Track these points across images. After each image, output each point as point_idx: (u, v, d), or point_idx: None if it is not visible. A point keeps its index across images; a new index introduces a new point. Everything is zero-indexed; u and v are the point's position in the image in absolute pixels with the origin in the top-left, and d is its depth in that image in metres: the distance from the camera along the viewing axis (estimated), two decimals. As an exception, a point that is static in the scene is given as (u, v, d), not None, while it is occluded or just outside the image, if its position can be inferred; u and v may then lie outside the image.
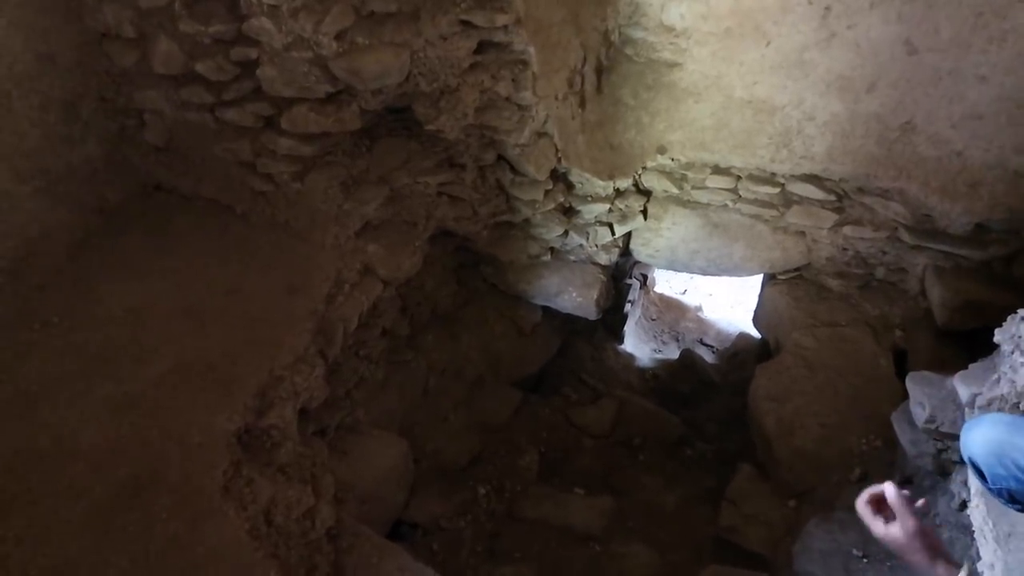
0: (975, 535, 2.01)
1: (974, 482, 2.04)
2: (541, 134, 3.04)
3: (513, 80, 2.77)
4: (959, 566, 1.32)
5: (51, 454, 1.98)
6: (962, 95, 2.98)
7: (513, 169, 3.14)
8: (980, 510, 1.92)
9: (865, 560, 2.50)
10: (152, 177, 2.94)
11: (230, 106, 2.61)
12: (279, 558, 1.92)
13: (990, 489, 1.63)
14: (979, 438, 1.48)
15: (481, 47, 2.63)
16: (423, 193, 3.04)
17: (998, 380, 2.20)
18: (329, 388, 2.57)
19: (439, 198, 3.12)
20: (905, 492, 1.48)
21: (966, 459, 1.50)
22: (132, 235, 2.74)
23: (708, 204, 3.71)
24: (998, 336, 2.25)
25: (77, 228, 2.70)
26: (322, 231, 2.79)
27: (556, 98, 3.03)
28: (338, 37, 2.37)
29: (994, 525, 1.85)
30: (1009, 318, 2.24)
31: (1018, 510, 1.62)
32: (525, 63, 2.74)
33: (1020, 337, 2.11)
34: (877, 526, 1.45)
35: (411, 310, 3.30)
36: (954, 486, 2.32)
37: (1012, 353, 2.15)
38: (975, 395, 2.22)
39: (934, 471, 2.46)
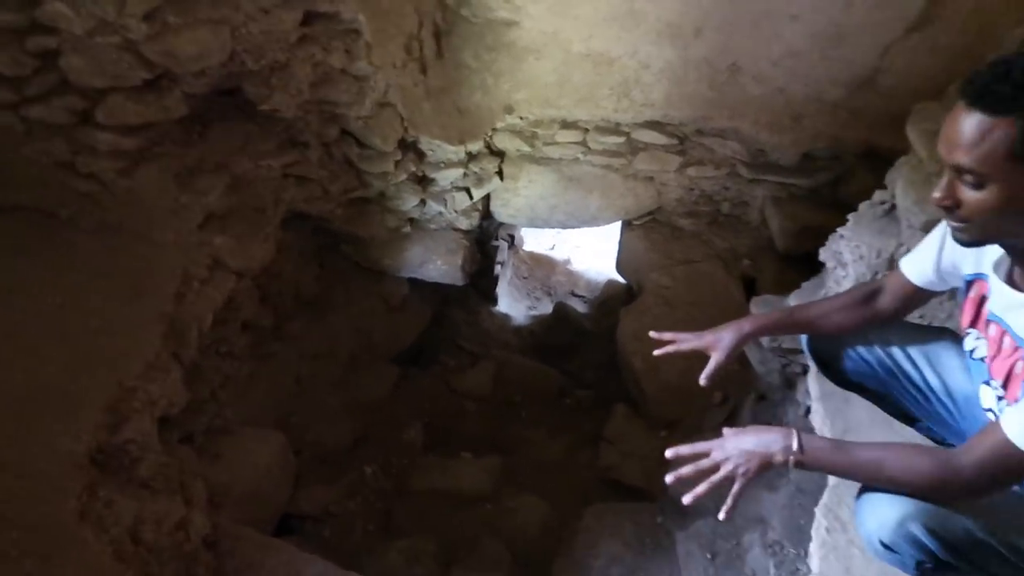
0: (817, 437, 2.22)
1: (814, 387, 2.22)
2: (384, 104, 2.98)
3: (346, 51, 2.68)
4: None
5: None
6: (779, 34, 3.17)
7: (359, 143, 3.07)
8: (819, 413, 2.11)
9: (731, 476, 2.70)
10: (-46, 191, 2.65)
11: (35, 102, 2.36)
12: (152, 576, 1.83)
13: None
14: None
15: (308, 18, 2.53)
16: (268, 177, 2.90)
17: (826, 294, 2.41)
18: (190, 392, 2.44)
19: (286, 180, 2.99)
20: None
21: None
22: (-62, 258, 2.46)
23: (560, 159, 3.79)
24: (822, 255, 2.46)
25: None
26: (161, 228, 2.61)
27: (395, 66, 2.97)
28: (147, 18, 2.19)
29: (832, 424, 2.04)
30: (830, 237, 2.45)
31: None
32: (357, 32, 2.66)
33: (840, 253, 2.32)
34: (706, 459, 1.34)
35: (272, 299, 3.18)
36: (799, 396, 2.54)
37: (835, 269, 2.36)
38: (812, 301, 2.41)
39: (782, 385, 2.67)
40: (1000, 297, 1.29)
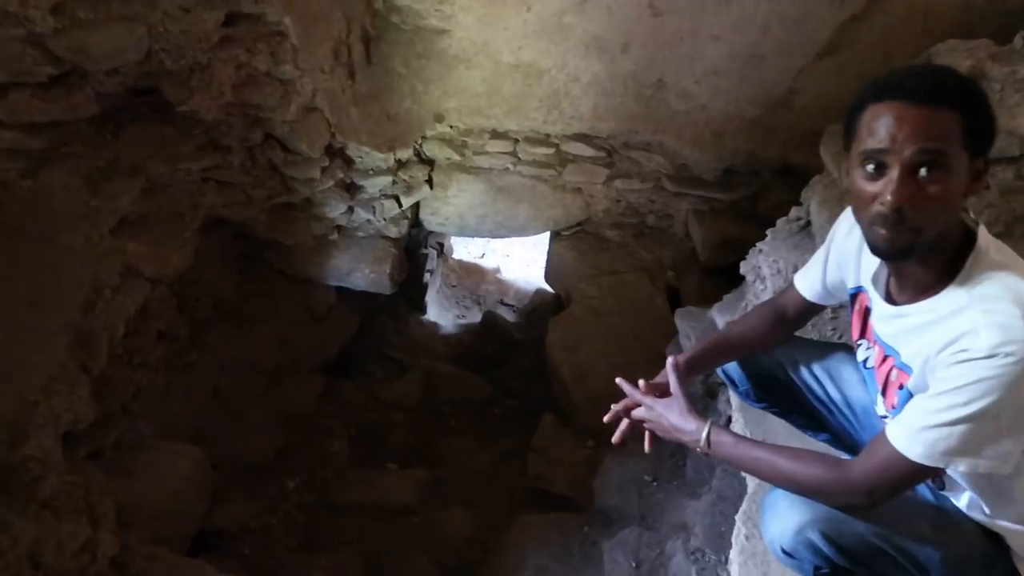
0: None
1: (735, 399, 2.30)
2: (310, 109, 2.92)
3: (271, 53, 2.62)
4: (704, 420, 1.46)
5: None
6: (701, 53, 3.26)
7: (285, 148, 2.99)
8: (739, 423, 2.18)
9: (655, 483, 2.76)
10: None
11: (-73, 97, 2.22)
12: (52, 602, 1.72)
13: (739, 392, 1.88)
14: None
15: (231, 19, 2.46)
16: (186, 181, 2.80)
17: (746, 307, 2.49)
18: (99, 405, 2.32)
19: (205, 185, 2.89)
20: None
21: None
22: None
23: (490, 169, 3.80)
24: (743, 268, 2.55)
25: None
26: (69, 233, 2.47)
27: (322, 71, 2.91)
28: (55, 11, 2.08)
29: (751, 434, 2.10)
30: (750, 252, 2.54)
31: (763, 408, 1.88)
32: (282, 34, 2.59)
33: (758, 267, 2.40)
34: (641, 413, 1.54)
35: (190, 308, 3.06)
36: (720, 405, 2.62)
37: (754, 282, 2.44)
38: (729, 322, 2.49)
39: (704, 395, 2.74)
40: (876, 309, 1.37)
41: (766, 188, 3.68)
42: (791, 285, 1.67)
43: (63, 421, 2.11)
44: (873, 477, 1.21)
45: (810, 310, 1.68)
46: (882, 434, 1.21)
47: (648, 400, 1.53)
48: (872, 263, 1.39)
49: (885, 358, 1.33)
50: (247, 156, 2.95)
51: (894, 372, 1.30)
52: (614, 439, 1.57)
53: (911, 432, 1.16)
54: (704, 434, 1.41)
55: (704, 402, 2.75)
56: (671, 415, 1.48)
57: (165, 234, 2.73)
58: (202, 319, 3.16)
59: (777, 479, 1.34)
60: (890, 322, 1.31)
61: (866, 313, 1.44)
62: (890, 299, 1.32)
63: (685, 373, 1.60)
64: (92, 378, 2.29)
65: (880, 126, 1.12)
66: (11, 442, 1.93)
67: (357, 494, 3.11)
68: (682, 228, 3.97)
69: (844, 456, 1.55)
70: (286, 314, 3.54)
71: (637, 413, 1.54)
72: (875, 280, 1.39)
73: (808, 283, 1.61)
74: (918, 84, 1.12)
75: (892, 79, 1.14)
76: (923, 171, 1.10)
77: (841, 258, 1.50)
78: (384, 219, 3.62)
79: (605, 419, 1.60)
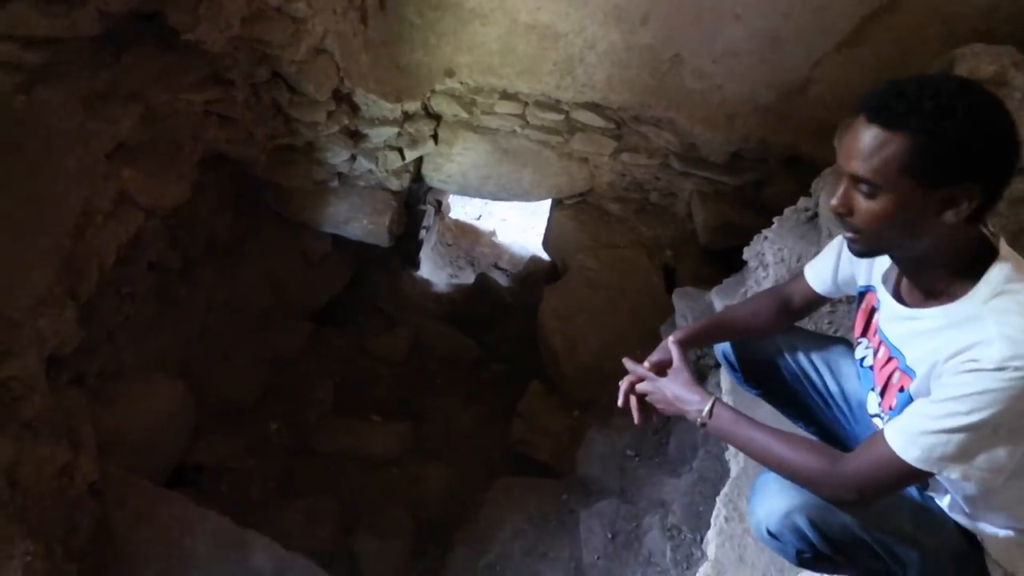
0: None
1: (725, 381, 2.30)
2: (320, 50, 2.85)
3: (284, -12, 2.55)
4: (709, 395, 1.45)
5: None
6: (721, 32, 3.20)
7: (291, 88, 2.93)
8: (730, 404, 2.17)
9: (637, 459, 2.77)
10: None
11: (-79, 1, 2.14)
12: (28, 522, 1.71)
13: (738, 378, 1.85)
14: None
15: (246, -52, 2.39)
16: (187, 112, 2.74)
17: (746, 292, 2.48)
18: (85, 331, 2.29)
19: (207, 118, 2.83)
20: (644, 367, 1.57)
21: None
22: None
23: (498, 130, 3.74)
24: (746, 254, 2.53)
25: None
26: (62, 154, 2.42)
27: (335, 12, 2.84)
28: (64, -79, 2.01)
29: (740, 417, 2.10)
30: (755, 237, 2.51)
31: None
32: (297, -30, 2.53)
33: (762, 254, 2.38)
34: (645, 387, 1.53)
35: (182, 242, 3.01)
36: (711, 388, 2.61)
37: (756, 268, 2.42)
38: (731, 304, 2.48)
39: (695, 375, 2.74)
40: (885, 308, 1.37)
41: (772, 176, 3.65)
42: (800, 275, 1.66)
43: (48, 344, 2.09)
44: (865, 474, 1.21)
45: (816, 302, 1.67)
46: (879, 433, 1.21)
47: (651, 375, 1.53)
48: (884, 262, 1.38)
49: (889, 359, 1.32)
50: (251, 93, 2.89)
51: (896, 374, 1.29)
52: (636, 421, 1.56)
53: (910, 435, 1.15)
54: (708, 406, 1.40)
55: (694, 382, 2.75)
56: (675, 386, 1.47)
57: (163, 164, 2.67)
58: (194, 255, 3.11)
59: (770, 462, 1.34)
60: (900, 323, 1.30)
61: (871, 312, 1.43)
62: (900, 300, 1.31)
63: (682, 342, 1.60)
64: (79, 303, 2.26)
65: (845, 137, 1.16)
66: (-6, 360, 1.90)
67: (338, 442, 3.11)
68: (684, 208, 3.94)
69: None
70: (279, 257, 3.50)
71: (641, 387, 1.53)
72: (885, 279, 1.38)
73: (818, 275, 1.60)
74: (876, 98, 1.12)
75: (874, 90, 1.14)
76: (862, 187, 1.14)
77: None
78: (386, 170, 3.56)
79: (619, 404, 1.57)
